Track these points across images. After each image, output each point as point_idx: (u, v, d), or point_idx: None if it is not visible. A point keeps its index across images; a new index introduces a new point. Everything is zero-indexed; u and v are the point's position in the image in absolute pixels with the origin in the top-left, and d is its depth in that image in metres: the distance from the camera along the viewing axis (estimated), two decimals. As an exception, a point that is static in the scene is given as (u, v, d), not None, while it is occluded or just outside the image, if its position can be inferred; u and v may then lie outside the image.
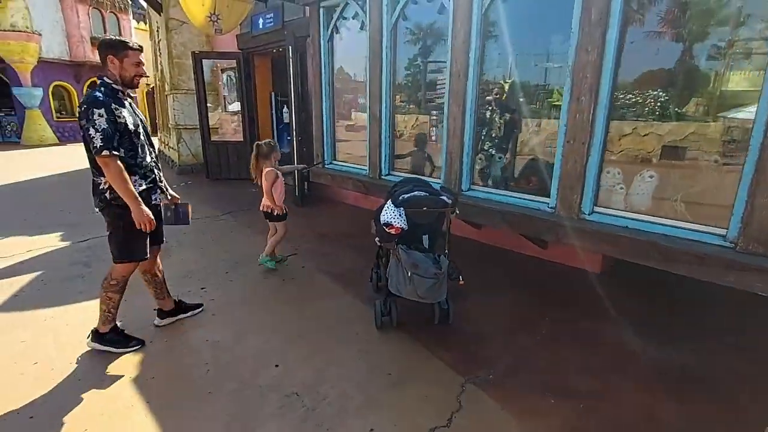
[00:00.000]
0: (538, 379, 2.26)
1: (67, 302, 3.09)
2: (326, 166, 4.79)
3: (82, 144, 2.17)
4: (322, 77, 4.55)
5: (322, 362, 2.39)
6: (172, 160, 9.52)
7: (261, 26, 6.84)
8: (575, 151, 2.63)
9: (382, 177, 4.09)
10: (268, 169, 3.56)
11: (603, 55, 2.44)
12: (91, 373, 2.29)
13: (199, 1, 6.30)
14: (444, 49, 3.58)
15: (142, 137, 2.32)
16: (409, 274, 2.34)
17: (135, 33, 19.19)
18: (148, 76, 2.51)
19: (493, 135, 3.62)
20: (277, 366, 2.34)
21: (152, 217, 2.24)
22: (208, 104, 7.93)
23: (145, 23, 16.19)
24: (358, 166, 4.46)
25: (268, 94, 8.07)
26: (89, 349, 2.47)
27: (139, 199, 2.19)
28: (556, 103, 3.35)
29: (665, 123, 2.66)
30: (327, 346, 2.55)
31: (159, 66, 10.31)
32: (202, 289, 3.34)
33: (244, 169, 8.28)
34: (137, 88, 2.35)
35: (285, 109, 5.68)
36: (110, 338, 2.45)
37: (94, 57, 17.51)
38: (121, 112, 2.17)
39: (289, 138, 5.74)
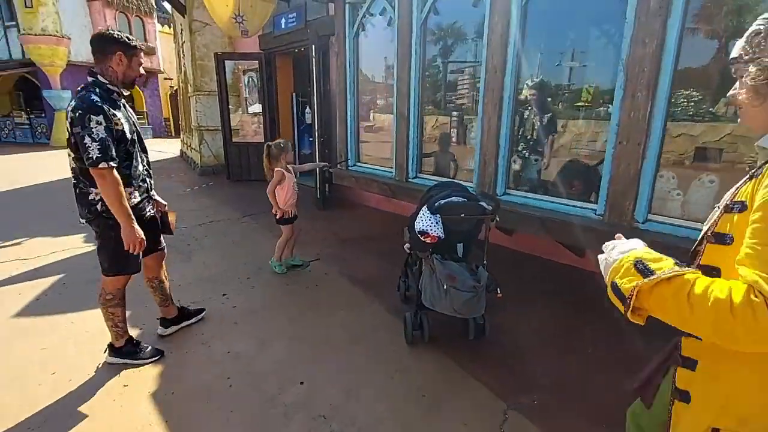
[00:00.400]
0: (587, 405, 2.04)
1: (88, 307, 3.01)
2: (350, 167, 4.64)
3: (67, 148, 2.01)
4: (347, 76, 4.40)
5: (349, 380, 2.22)
6: (194, 162, 9.56)
7: (283, 26, 6.76)
8: (629, 152, 2.39)
9: (409, 180, 3.91)
10: (276, 169, 3.44)
11: (663, 48, 2.21)
12: (109, 386, 2.18)
13: (224, 1, 6.26)
14: (466, 47, 3.40)
15: (137, 144, 2.19)
16: (445, 287, 2.15)
17: (159, 36, 19.56)
18: (146, 75, 2.34)
19: (528, 136, 3.40)
20: (302, 383, 2.19)
21: (143, 238, 2.09)
22: (230, 105, 7.92)
23: (170, 27, 16.45)
24: (384, 168, 4.29)
25: (289, 94, 7.99)
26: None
27: (132, 217, 2.04)
28: (587, 102, 3.12)
29: (699, 124, 2.45)
30: (355, 363, 2.38)
31: (182, 68, 10.39)
32: (224, 295, 3.22)
33: (264, 171, 8.28)
34: (132, 89, 2.21)
35: (307, 110, 5.56)
36: (127, 350, 2.34)
37: (120, 60, 17.89)
38: (118, 119, 2.03)
39: (311, 139, 5.62)
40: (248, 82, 8.21)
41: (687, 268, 0.78)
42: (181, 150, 12.42)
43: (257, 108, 8.08)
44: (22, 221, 5.33)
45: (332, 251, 4.21)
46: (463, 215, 2.22)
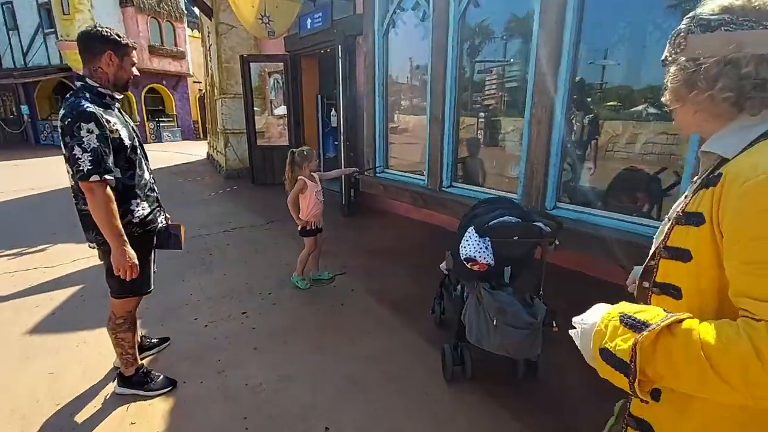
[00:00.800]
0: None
1: (102, 324, 2.83)
2: (378, 174, 4.35)
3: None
4: (375, 76, 4.12)
5: (381, 427, 1.93)
6: (220, 165, 9.52)
7: (309, 26, 6.56)
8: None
9: (443, 189, 3.59)
10: (299, 178, 3.20)
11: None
12: (115, 423, 1.96)
13: (249, 2, 6.11)
14: (494, 46, 3.07)
15: (138, 151, 1.97)
16: (495, 322, 1.83)
17: (189, 40, 19.91)
18: (138, 75, 2.07)
19: (576, 141, 3.03)
20: (327, 430, 1.91)
21: (136, 262, 1.86)
22: (255, 108, 7.80)
23: (199, 31, 16.70)
24: (414, 176, 3.99)
25: (314, 96, 7.81)
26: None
27: (125, 238, 1.81)
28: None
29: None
30: (386, 403, 2.09)
31: (209, 71, 10.40)
32: (243, 314, 2.99)
33: (290, 174, 8.15)
34: (126, 91, 1.99)
35: (333, 112, 5.32)
36: (137, 380, 2.12)
37: (152, 64, 18.31)
38: (113, 125, 1.80)
39: (336, 143, 5.38)
40: (273, 84, 8.08)
41: (681, 313, 0.67)
42: (207, 153, 12.49)
43: (282, 110, 7.93)
44: (50, 226, 5.31)
45: (358, 263, 3.94)
46: (516, 238, 1.89)
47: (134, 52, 1.93)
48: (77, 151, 1.67)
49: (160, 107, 20.56)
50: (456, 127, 3.45)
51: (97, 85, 1.85)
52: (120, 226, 1.80)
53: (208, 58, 10.03)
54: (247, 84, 7.45)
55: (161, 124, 19.89)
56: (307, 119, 7.76)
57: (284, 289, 3.40)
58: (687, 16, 0.74)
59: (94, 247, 2.00)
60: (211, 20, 8.53)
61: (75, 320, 2.91)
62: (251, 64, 7.51)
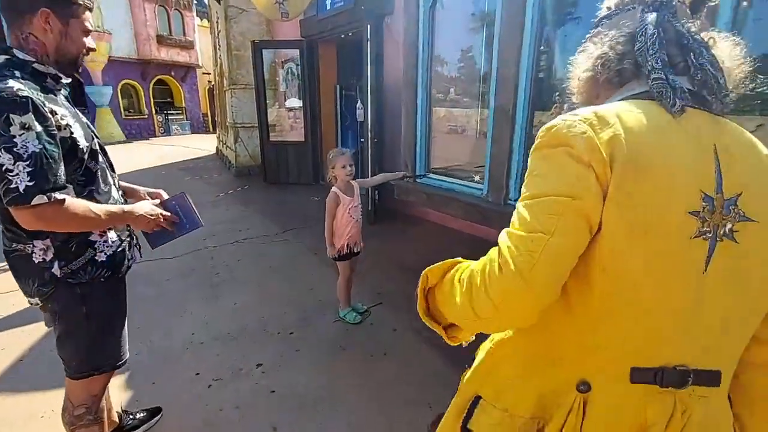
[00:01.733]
0: None
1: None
2: (418, 180, 3.63)
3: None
4: (419, 61, 3.38)
5: None
6: (230, 161, 8.88)
7: (328, 7, 5.82)
8: None
9: (510, 202, 2.86)
10: (332, 190, 2.50)
11: None
12: None
13: (261, -21, 5.41)
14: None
15: (101, 158, 1.33)
16: None
17: (198, 30, 19.26)
18: (95, 50, 1.37)
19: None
20: None
21: (157, 211, 1.40)
22: (267, 100, 7.10)
23: (208, 20, 16.06)
24: (468, 183, 3.25)
25: (332, 87, 7.08)
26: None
27: (123, 208, 1.31)
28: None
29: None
30: None
31: (218, 60, 9.73)
32: (258, 367, 2.31)
33: (304, 173, 7.46)
34: (78, 71, 1.29)
35: (359, 105, 4.60)
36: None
37: (160, 54, 17.69)
38: (63, 118, 1.16)
39: (362, 141, 4.67)
40: (287, 73, 7.37)
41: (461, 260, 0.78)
42: (217, 147, 11.87)
43: (296, 102, 7.24)
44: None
45: (395, 288, 3.24)
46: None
47: (88, 13, 1.25)
48: (5, 158, 1.03)
49: (169, 99, 20.02)
50: (530, 123, 2.70)
51: (33, 59, 1.18)
52: (109, 209, 1.25)
53: (217, 46, 9.35)
54: (259, 73, 6.76)
55: (170, 117, 19.36)
56: (324, 113, 7.05)
57: (310, 327, 2.72)
58: None
59: (37, 305, 1.34)
60: (219, 4, 7.83)
61: (45, 374, 2.26)
62: (264, 51, 6.80)
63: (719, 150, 0.62)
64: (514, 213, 0.64)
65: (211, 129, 20.81)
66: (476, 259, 0.70)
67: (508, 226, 0.64)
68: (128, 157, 11.47)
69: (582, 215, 0.59)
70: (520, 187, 2.45)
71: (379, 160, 4.61)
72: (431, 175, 3.54)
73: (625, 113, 0.62)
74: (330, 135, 7.24)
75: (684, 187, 0.59)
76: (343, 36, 6.03)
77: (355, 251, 2.67)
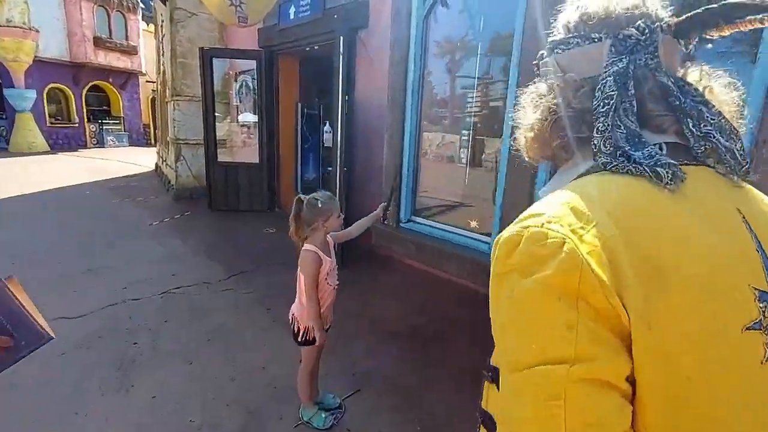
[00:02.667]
0: None
1: None
2: (403, 225, 2.97)
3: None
4: (408, 77, 2.78)
5: None
6: (169, 181, 7.79)
7: (292, 16, 5.16)
8: None
9: None
10: (305, 248, 1.77)
11: None
12: None
13: (214, -22, 4.67)
14: None
15: None
16: None
17: (143, 35, 17.81)
18: None
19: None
20: None
21: None
22: (217, 114, 6.23)
23: (155, 23, 14.83)
24: (471, 234, 2.62)
25: (293, 105, 6.36)
26: None
27: None
28: None
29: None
30: None
31: (161, 67, 8.69)
32: None
33: (257, 199, 6.56)
34: None
35: (326, 128, 3.92)
36: None
37: (97, 58, 16.08)
38: None
39: (329, 168, 3.96)
40: (241, 86, 6.58)
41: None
42: (156, 164, 10.60)
43: (246, 117, 6.45)
44: None
45: (377, 365, 2.52)
46: None
47: None
48: None
49: (105, 108, 18.19)
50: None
51: None
52: None
53: (161, 52, 8.34)
54: (207, 84, 5.89)
55: (105, 127, 17.54)
56: (283, 133, 6.29)
57: (261, 438, 1.92)
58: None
59: None
60: (165, 5, 6.92)
61: None
62: (215, 60, 5.96)
63: (748, 219, 0.46)
64: (500, 392, 0.47)
65: (153, 142, 19.13)
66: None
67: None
68: (47, 171, 9.91)
69: (598, 384, 0.38)
70: None
71: (347, 191, 3.92)
72: (419, 220, 2.89)
73: (606, 196, 0.46)
74: (288, 158, 6.47)
75: (729, 288, 0.42)
76: (308, 49, 5.38)
77: (325, 329, 1.93)
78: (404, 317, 3.10)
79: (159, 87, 9.43)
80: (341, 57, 3.54)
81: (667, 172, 0.46)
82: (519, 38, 2.16)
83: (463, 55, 2.56)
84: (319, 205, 1.79)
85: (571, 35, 0.56)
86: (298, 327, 1.88)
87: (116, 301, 3.19)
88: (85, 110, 16.88)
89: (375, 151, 4.16)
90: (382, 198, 3.22)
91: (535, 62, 0.62)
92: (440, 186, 3.04)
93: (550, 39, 0.59)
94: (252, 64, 6.00)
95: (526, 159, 0.64)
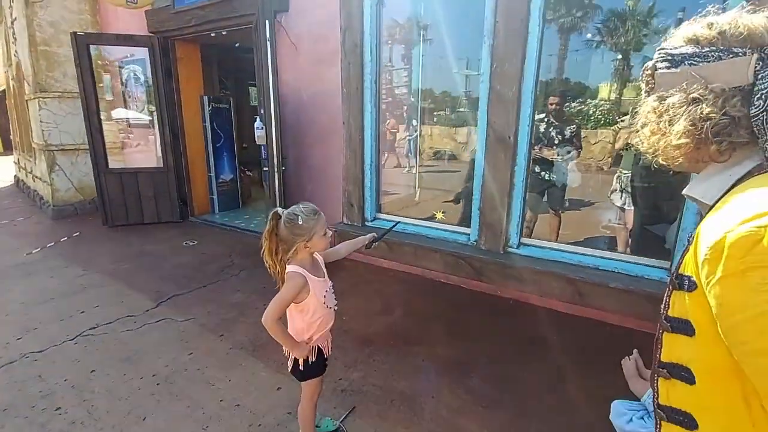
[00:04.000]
0: None
1: None
2: (368, 224, 2.80)
3: None
4: (363, 69, 2.57)
5: None
6: (41, 198, 6.43)
7: (190, -3, 4.53)
8: None
9: (510, 251, 2.28)
10: (290, 270, 1.52)
11: None
12: None
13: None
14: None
15: None
16: None
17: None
18: None
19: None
20: None
21: None
22: (102, 113, 5.24)
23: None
24: (449, 228, 2.55)
25: (197, 98, 5.65)
26: None
27: None
28: None
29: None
30: None
31: (12, 58, 7.04)
32: None
33: (165, 208, 5.69)
34: None
35: (258, 124, 3.53)
36: None
37: None
38: None
39: (266, 169, 3.58)
40: (128, 78, 5.64)
41: None
42: (17, 177, 8.69)
43: (124, 114, 5.63)
44: None
45: (365, 375, 2.36)
46: None
47: None
48: None
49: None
50: (530, 152, 2.16)
51: None
52: None
53: (10, 39, 6.74)
54: (87, 77, 4.90)
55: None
56: (189, 130, 5.57)
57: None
58: (658, 48, 0.69)
59: None
60: (10, -21, 5.56)
61: None
62: (92, 47, 4.97)
63: None
64: (762, 376, 0.51)
65: (2, 149, 15.71)
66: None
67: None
68: None
69: None
70: (524, 231, 1.82)
71: (291, 193, 3.60)
72: (385, 217, 2.74)
73: None
74: (198, 158, 5.78)
75: None
76: (213, 35, 4.79)
77: (325, 357, 1.71)
78: (376, 320, 2.96)
79: (12, 82, 7.65)
80: (268, 44, 3.17)
81: None
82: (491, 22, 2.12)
83: (418, 40, 2.46)
84: (300, 222, 1.46)
85: (707, 49, 0.62)
86: (291, 357, 1.63)
87: (12, 358, 2.50)
88: None
89: (306, 148, 3.88)
90: (345, 206, 3.01)
91: (648, 72, 0.69)
92: (396, 181, 2.94)
93: (669, 52, 0.66)
94: (142, 52, 5.15)
95: (663, 162, 0.70)
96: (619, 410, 1.08)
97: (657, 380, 0.68)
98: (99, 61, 5.44)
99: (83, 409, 2.08)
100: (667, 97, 0.65)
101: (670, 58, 0.66)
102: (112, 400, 2.16)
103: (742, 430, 0.56)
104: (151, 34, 5.08)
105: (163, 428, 1.97)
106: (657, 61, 0.68)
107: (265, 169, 3.49)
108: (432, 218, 2.70)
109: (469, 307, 3.02)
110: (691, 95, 0.62)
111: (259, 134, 3.42)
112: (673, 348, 0.64)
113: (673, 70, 0.65)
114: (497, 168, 2.19)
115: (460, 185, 2.93)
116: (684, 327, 0.61)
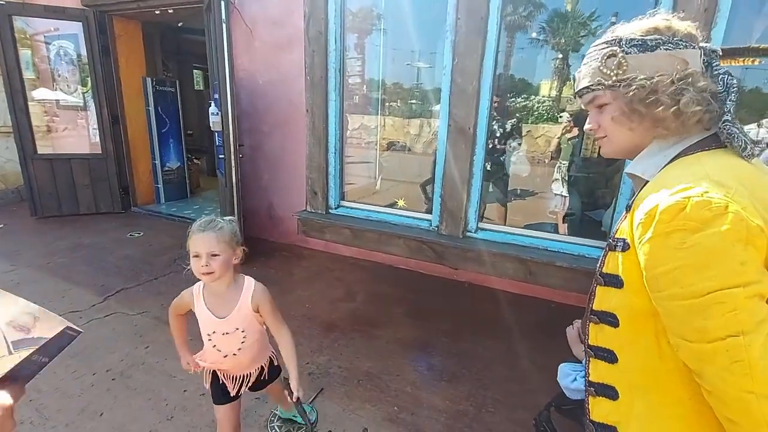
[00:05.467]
0: None
1: None
2: (333, 211, 2.81)
3: None
4: (328, 57, 2.56)
5: None
6: (-47, 186, 5.70)
7: (131, -30, 4.21)
8: None
9: (469, 235, 2.42)
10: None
11: None
12: None
13: None
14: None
15: None
16: None
17: None
18: None
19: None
20: None
21: None
22: (28, 93, 4.75)
23: None
24: (410, 214, 2.63)
25: (139, 80, 5.29)
26: None
27: None
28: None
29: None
30: None
31: None
32: None
33: (104, 197, 5.27)
34: None
35: (213, 109, 3.40)
36: None
37: None
38: None
39: (222, 156, 3.46)
40: (57, 55, 5.13)
41: None
42: None
43: (78, 99, 5.13)
44: None
45: (327, 357, 2.41)
46: None
47: None
48: None
49: None
50: (488, 143, 2.30)
51: None
52: None
53: None
54: (10, 53, 4.41)
55: None
56: (130, 114, 5.20)
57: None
58: (604, 39, 0.74)
59: None
60: None
61: None
62: (17, 20, 4.47)
63: None
64: (672, 317, 0.63)
65: None
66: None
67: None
68: None
69: (759, 297, 0.58)
70: (481, 216, 2.09)
71: (251, 179, 3.51)
72: (348, 204, 2.79)
73: (730, 172, 0.65)
74: (141, 144, 5.43)
75: None
76: (158, 12, 4.50)
77: (239, 393, 1.50)
78: (337, 305, 3.01)
79: None
80: (224, 26, 3.06)
81: (748, 145, 0.68)
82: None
83: (381, 28, 2.50)
84: (194, 229, 1.31)
85: (676, 39, 0.71)
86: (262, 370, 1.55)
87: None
88: None
89: (263, 136, 3.81)
90: (309, 195, 2.99)
91: (615, 58, 0.72)
92: (358, 170, 2.99)
93: (641, 38, 0.71)
94: (75, 27, 4.71)
95: (606, 151, 0.82)
96: (565, 372, 1.22)
97: (588, 325, 0.80)
98: (19, 35, 4.90)
99: (31, 409, 1.95)
100: (652, 77, 0.70)
101: (640, 43, 0.72)
102: (62, 398, 2.04)
103: (652, 361, 0.70)
104: (85, 7, 4.66)
105: (124, 423, 1.90)
106: (625, 48, 0.72)
107: (221, 156, 3.38)
108: (394, 205, 2.79)
109: (428, 291, 3.17)
110: (684, 72, 0.69)
111: (214, 120, 3.29)
112: (603, 298, 0.76)
113: (649, 53, 0.71)
114: (458, 157, 2.33)
115: (419, 175, 3.06)
116: (614, 281, 0.72)
